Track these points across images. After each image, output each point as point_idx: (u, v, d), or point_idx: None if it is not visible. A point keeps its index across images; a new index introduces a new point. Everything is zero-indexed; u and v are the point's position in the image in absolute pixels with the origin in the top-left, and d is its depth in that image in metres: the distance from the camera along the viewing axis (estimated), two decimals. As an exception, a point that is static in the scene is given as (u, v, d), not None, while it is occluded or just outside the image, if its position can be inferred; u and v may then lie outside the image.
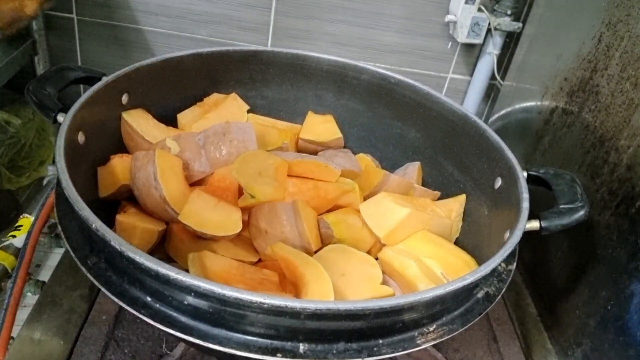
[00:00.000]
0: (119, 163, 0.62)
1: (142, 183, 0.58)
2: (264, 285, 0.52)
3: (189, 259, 0.52)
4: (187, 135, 0.65)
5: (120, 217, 0.57)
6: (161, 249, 0.61)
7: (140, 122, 0.66)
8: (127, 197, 0.62)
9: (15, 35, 0.96)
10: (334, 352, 0.42)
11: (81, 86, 0.66)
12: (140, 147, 0.65)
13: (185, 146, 0.63)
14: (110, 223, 0.57)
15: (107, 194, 0.61)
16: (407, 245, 0.59)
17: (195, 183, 0.64)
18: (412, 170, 0.74)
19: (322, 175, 0.64)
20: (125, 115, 0.66)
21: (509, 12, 0.93)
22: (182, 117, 0.73)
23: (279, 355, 0.41)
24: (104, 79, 0.62)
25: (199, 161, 0.63)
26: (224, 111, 0.74)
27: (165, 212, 0.58)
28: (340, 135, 0.79)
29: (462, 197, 0.67)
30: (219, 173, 0.62)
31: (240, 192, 0.61)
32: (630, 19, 0.60)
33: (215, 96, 0.77)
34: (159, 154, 0.58)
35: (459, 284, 0.43)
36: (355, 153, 0.80)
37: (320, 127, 0.79)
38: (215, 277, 0.51)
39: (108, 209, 0.60)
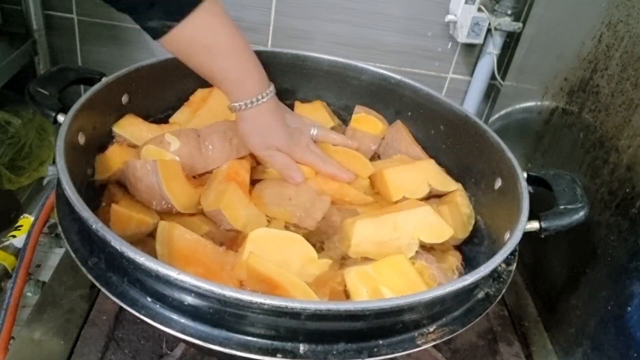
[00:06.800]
0: (115, 151, 0.62)
1: (144, 192, 0.58)
2: (223, 272, 0.51)
3: (159, 227, 0.51)
4: (186, 131, 0.65)
5: (115, 207, 0.55)
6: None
7: (132, 131, 0.65)
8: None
9: (16, 35, 0.97)
10: (334, 352, 0.42)
11: (81, 86, 0.66)
12: (136, 156, 0.63)
13: (185, 141, 0.63)
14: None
15: (102, 178, 0.61)
16: (376, 269, 0.52)
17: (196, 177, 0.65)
18: (398, 130, 0.75)
19: (355, 168, 0.68)
20: (115, 128, 0.64)
21: (509, 12, 0.92)
22: (175, 119, 0.72)
23: (279, 355, 0.41)
24: (104, 80, 0.62)
25: (199, 157, 0.64)
26: (214, 105, 0.72)
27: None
28: (333, 123, 0.77)
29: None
30: (232, 167, 0.64)
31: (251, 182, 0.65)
32: (630, 19, 0.60)
33: (200, 92, 0.74)
34: (161, 164, 0.57)
35: (459, 285, 0.43)
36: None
37: (311, 116, 0.76)
38: (178, 254, 0.50)
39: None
